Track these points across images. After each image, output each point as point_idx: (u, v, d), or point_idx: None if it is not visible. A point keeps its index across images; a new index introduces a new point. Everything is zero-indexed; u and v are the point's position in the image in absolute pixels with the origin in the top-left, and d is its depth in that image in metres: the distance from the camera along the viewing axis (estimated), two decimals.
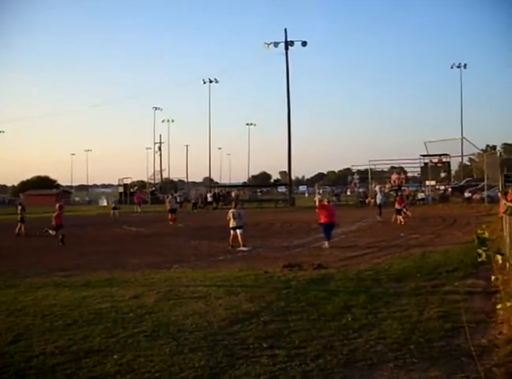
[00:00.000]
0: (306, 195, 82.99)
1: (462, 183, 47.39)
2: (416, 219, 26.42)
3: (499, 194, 25.04)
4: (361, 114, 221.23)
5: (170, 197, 33.95)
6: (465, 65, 68.57)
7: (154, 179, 77.74)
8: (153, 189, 69.90)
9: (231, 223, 17.46)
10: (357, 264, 12.77)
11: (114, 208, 40.34)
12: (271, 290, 9.51)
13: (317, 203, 18.67)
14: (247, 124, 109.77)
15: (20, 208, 24.82)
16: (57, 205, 21.32)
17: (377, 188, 37.17)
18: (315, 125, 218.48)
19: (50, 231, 21.41)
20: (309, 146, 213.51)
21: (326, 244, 16.48)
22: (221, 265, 13.28)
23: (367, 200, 43.98)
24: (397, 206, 25.83)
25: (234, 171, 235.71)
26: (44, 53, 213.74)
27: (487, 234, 3.30)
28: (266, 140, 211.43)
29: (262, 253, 15.90)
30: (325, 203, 17.78)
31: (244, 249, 16.68)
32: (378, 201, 29.58)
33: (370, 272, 11.27)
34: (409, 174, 48.82)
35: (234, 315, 7.76)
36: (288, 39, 49.73)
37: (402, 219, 24.99)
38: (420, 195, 42.16)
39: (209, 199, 48.52)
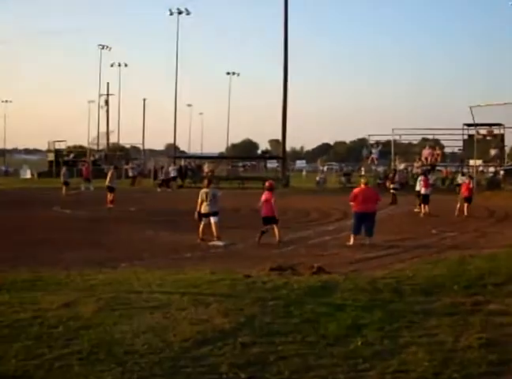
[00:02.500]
0: (304, 173, 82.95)
1: None
2: (454, 211, 26.58)
3: None
4: (380, 65, 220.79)
5: (112, 169, 32.21)
6: None
7: (98, 145, 77.45)
8: (96, 157, 69.56)
9: (203, 208, 17.41)
10: (372, 268, 12.86)
11: (66, 183, 38.23)
12: (253, 300, 9.52)
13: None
14: (227, 73, 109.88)
15: None
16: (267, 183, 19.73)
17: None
18: (320, 79, 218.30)
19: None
20: (311, 108, 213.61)
21: (351, 240, 16.83)
22: (187, 265, 13.30)
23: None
24: (422, 191, 25.88)
25: (208, 138, 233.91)
26: None
27: None
28: (253, 97, 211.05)
29: (243, 249, 15.94)
30: (362, 185, 18.10)
31: (219, 243, 16.71)
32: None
33: (390, 280, 11.33)
34: (447, 150, 48.85)
35: (202, 333, 7.75)
36: None
37: (427, 211, 25.35)
38: (461, 179, 42.31)
39: (173, 174, 47.93)
